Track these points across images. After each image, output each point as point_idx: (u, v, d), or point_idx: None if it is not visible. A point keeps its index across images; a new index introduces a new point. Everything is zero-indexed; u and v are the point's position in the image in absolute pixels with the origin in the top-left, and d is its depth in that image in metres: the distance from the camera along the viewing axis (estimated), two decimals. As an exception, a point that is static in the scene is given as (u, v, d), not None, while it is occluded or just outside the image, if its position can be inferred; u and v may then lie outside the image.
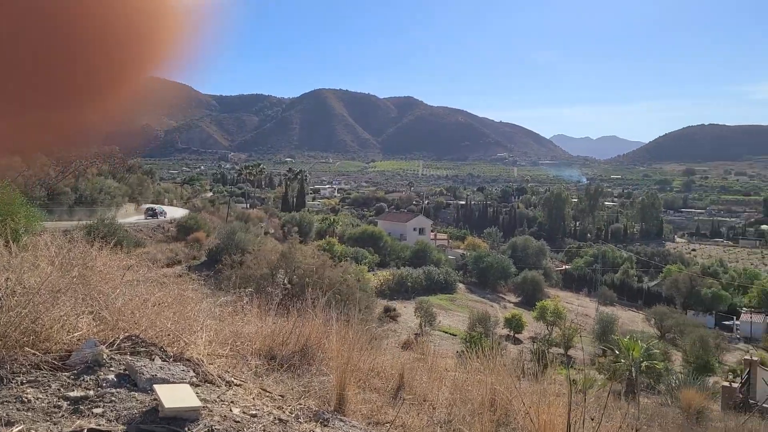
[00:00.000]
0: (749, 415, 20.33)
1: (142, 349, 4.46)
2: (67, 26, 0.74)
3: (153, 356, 4.39)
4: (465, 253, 67.80)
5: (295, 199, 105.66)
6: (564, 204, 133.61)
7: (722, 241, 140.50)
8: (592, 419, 4.53)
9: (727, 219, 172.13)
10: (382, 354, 7.63)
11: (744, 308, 67.76)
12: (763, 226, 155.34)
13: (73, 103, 0.86)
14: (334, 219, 74.47)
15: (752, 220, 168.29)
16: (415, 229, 76.82)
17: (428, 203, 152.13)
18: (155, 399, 3.59)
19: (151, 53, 0.86)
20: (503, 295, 56.64)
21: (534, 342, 37.08)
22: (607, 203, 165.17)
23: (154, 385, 3.71)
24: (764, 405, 21.62)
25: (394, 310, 38.77)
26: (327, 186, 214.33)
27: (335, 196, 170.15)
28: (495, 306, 49.46)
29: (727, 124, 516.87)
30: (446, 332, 37.42)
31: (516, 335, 41.26)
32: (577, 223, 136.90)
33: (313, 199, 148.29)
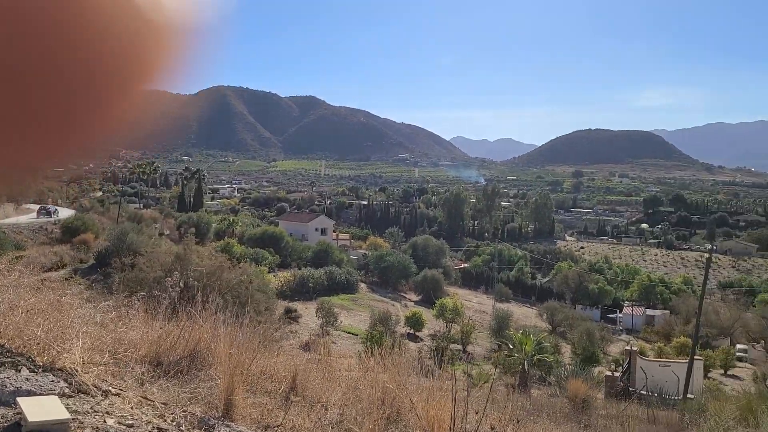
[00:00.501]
0: (629, 402, 21.78)
1: (7, 360, 4.14)
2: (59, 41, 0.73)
3: (19, 367, 4.09)
4: (367, 252, 68.22)
5: (192, 199, 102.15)
6: (463, 204, 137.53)
7: (607, 239, 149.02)
8: (477, 413, 4.65)
9: (612, 218, 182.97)
10: (276, 356, 7.51)
11: (626, 302, 72.44)
12: (643, 225, 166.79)
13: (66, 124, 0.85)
14: (233, 219, 72.72)
15: (634, 219, 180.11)
16: (317, 230, 76.47)
17: (330, 203, 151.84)
18: (19, 413, 3.34)
19: (147, 67, 0.86)
20: (404, 294, 57.46)
21: (433, 339, 37.82)
22: (503, 203, 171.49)
23: (18, 398, 3.45)
24: (642, 392, 23.24)
25: (295, 311, 38.37)
26: (226, 186, 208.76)
27: (235, 196, 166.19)
28: (396, 305, 50.06)
29: (611, 129, 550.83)
30: (348, 332, 37.48)
31: (416, 333, 41.92)
32: (476, 223, 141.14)
33: (212, 199, 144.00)
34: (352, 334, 36.85)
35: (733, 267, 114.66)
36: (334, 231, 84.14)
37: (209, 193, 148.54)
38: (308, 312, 39.27)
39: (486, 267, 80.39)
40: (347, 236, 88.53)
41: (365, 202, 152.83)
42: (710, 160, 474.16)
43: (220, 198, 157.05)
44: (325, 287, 48.03)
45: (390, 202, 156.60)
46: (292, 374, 6.51)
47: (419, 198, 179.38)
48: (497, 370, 32.44)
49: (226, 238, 57.30)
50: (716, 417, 10.84)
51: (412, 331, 41.86)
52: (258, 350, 6.66)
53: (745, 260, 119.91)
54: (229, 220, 71.45)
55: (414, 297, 56.65)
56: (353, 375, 7.17)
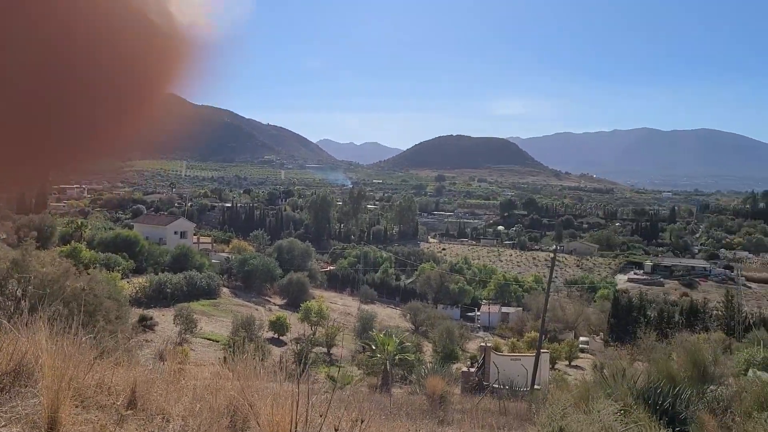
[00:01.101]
0: (482, 396, 22.83)
1: None
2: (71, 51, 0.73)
3: None
4: (230, 256, 66.34)
5: (34, 201, 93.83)
6: (329, 207, 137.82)
7: (467, 241, 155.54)
8: (321, 416, 4.58)
9: (471, 221, 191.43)
10: (115, 367, 6.99)
11: (484, 300, 76.17)
12: (500, 227, 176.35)
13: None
14: (81, 222, 67.77)
15: (491, 221, 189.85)
16: (176, 233, 73.10)
17: (192, 205, 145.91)
18: None
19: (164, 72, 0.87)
20: (269, 298, 56.50)
21: (297, 343, 37.50)
22: (369, 206, 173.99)
23: None
24: (494, 385, 24.47)
25: (151, 318, 36.43)
26: (75, 186, 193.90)
27: (85, 197, 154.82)
28: (260, 309, 49.11)
29: (471, 135, 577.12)
30: (208, 339, 36.17)
31: (281, 337, 41.37)
32: (342, 225, 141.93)
33: (58, 200, 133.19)
34: (213, 340, 35.62)
35: (578, 266, 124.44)
36: (195, 234, 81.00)
37: (55, 193, 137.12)
38: (165, 319, 37.44)
39: (352, 269, 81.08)
40: (209, 239, 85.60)
41: (229, 205, 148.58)
42: (558, 166, 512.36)
43: (68, 199, 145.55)
44: (184, 293, 46.06)
45: (255, 205, 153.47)
46: (131, 386, 6.08)
47: (285, 200, 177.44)
48: (360, 371, 32.87)
49: (72, 242, 53.20)
50: (554, 405, 11.58)
51: (276, 336, 41.25)
52: (95, 362, 6.17)
53: (588, 259, 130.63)
54: (77, 222, 66.49)
55: (279, 301, 55.87)
56: (198, 383, 6.82)
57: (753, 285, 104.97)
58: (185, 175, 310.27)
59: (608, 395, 15.46)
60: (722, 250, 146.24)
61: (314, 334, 42.62)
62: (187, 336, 34.74)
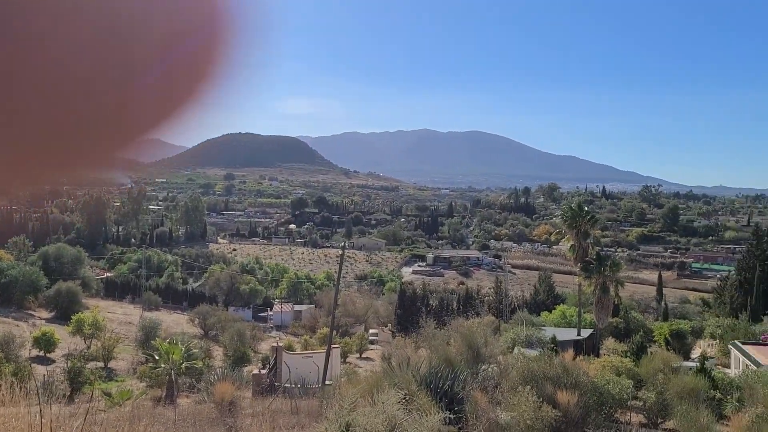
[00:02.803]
0: (274, 397, 22.40)
1: None
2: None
3: None
4: (-18, 267, 57.76)
5: None
6: (105, 208, 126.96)
7: (258, 240, 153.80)
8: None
9: (263, 220, 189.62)
10: None
11: (276, 299, 75.70)
12: (291, 226, 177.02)
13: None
14: None
15: (282, 220, 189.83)
16: None
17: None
18: None
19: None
20: (33, 312, 50.22)
21: (68, 359, 33.72)
22: (152, 207, 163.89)
23: None
24: (286, 385, 24.17)
25: None
26: None
27: None
28: (22, 325, 43.47)
29: (262, 134, 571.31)
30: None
31: (48, 355, 36.98)
32: (121, 228, 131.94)
33: None
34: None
35: (367, 261, 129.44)
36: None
37: None
38: None
39: (133, 275, 75.58)
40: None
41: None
42: (347, 165, 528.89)
43: None
44: None
45: (14, 207, 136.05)
46: None
47: (53, 202, 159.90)
48: (143, 383, 30.52)
49: None
50: (343, 400, 11.56)
51: (42, 353, 36.79)
52: None
53: (376, 254, 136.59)
54: None
55: (45, 314, 49.97)
56: None
57: (517, 271, 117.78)
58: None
59: (395, 384, 15.97)
60: (492, 241, 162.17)
61: (89, 347, 38.78)
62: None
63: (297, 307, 69.74)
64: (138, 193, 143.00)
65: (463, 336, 22.48)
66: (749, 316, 50.54)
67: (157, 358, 28.21)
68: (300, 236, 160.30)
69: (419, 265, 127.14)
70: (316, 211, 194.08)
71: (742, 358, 33.71)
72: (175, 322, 54.91)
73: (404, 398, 14.15)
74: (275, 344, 31.84)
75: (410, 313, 52.05)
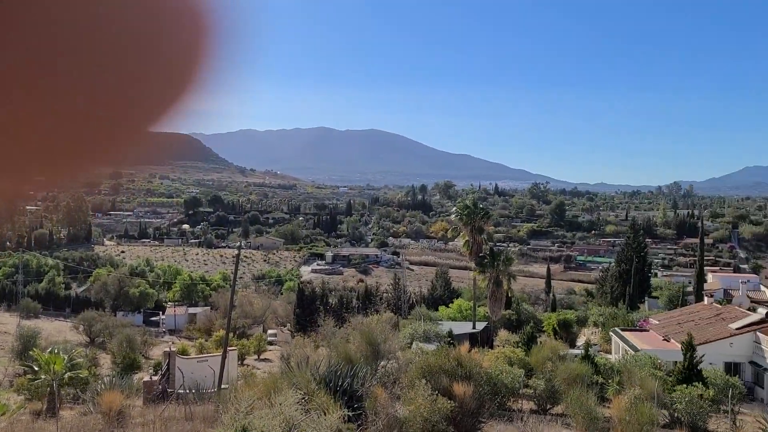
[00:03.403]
0: (166, 404, 21.47)
1: None
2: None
3: None
4: None
5: None
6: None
7: (149, 242, 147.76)
8: None
9: (154, 220, 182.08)
10: None
11: (169, 302, 72.85)
12: (185, 226, 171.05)
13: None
14: None
15: (175, 220, 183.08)
16: None
17: None
18: None
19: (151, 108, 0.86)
20: None
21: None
22: (29, 207, 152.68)
23: None
24: (180, 391, 23.24)
25: None
26: None
27: None
28: None
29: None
30: None
31: None
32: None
33: None
34: None
35: (265, 260, 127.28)
36: None
37: None
38: None
39: (9, 281, 70.23)
40: None
41: None
42: (243, 163, 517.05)
43: None
44: None
45: None
46: None
47: None
48: (21, 397, 28.35)
49: None
50: (239, 403, 11.23)
51: None
52: None
53: (274, 253, 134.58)
54: None
55: None
56: None
57: (415, 268, 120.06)
58: None
59: (293, 385, 15.73)
60: (390, 238, 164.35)
61: (-43, 361, 35.58)
62: None
63: (191, 310, 67.47)
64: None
65: (363, 333, 22.57)
66: (628, 305, 54.29)
67: (36, 369, 26.29)
68: (194, 236, 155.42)
69: (318, 264, 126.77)
70: (211, 210, 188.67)
71: (621, 343, 36.10)
72: (57, 330, 51.61)
73: (303, 398, 13.96)
74: (168, 349, 30.53)
75: (309, 312, 51.71)
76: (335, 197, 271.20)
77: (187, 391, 22.85)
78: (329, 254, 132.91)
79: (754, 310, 38.92)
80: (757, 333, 32.05)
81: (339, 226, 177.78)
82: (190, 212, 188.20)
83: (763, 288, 59.83)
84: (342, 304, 56.31)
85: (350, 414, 13.78)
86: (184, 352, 36.17)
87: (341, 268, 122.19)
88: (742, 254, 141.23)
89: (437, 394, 15.65)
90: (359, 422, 14.96)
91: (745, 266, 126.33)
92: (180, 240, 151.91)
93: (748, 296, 55.79)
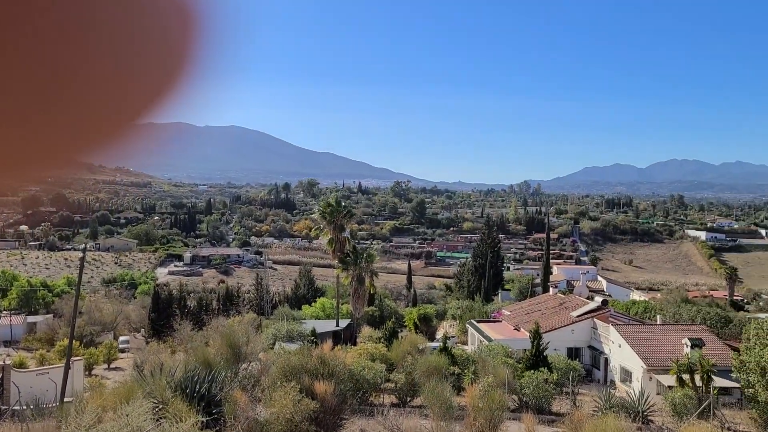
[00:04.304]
0: (1, 423, 19.38)
1: None
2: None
3: None
4: None
5: None
6: None
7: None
8: None
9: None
10: None
11: (4, 311, 66.18)
12: (23, 227, 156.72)
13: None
14: None
15: (11, 221, 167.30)
16: None
17: None
18: None
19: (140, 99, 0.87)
20: None
21: None
22: None
23: None
24: (15, 407, 21.10)
25: None
26: None
27: None
28: None
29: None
30: None
31: None
32: None
33: None
34: None
35: (116, 263, 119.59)
36: None
37: None
38: None
39: None
40: None
41: None
42: (90, 159, 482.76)
43: None
44: None
45: None
46: None
47: None
48: None
49: None
50: (83, 416, 10.34)
51: None
52: None
53: (127, 255, 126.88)
54: None
55: None
56: None
57: (279, 267, 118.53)
58: None
59: (147, 393, 14.80)
60: (253, 237, 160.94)
61: None
62: None
63: (31, 319, 61.84)
64: None
65: (223, 336, 21.84)
66: (483, 298, 57.20)
67: None
68: (34, 238, 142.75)
69: (176, 265, 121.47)
70: (54, 210, 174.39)
71: (477, 334, 37.92)
72: None
73: (157, 407, 13.20)
74: (2, 362, 27.66)
75: (166, 316, 49.31)
76: (194, 195, 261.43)
77: (24, 407, 20.80)
78: (188, 255, 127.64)
79: (592, 298, 42.56)
80: (594, 320, 35.05)
81: (198, 225, 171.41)
82: (29, 212, 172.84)
83: (599, 278, 65.66)
84: (201, 307, 54.25)
85: (207, 420, 13.21)
86: (21, 365, 33.00)
87: (201, 270, 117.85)
88: (582, 247, 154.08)
89: (303, 395, 15.45)
90: (217, 428, 14.41)
91: (585, 258, 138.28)
92: (17, 243, 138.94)
93: (587, 286, 60.96)
